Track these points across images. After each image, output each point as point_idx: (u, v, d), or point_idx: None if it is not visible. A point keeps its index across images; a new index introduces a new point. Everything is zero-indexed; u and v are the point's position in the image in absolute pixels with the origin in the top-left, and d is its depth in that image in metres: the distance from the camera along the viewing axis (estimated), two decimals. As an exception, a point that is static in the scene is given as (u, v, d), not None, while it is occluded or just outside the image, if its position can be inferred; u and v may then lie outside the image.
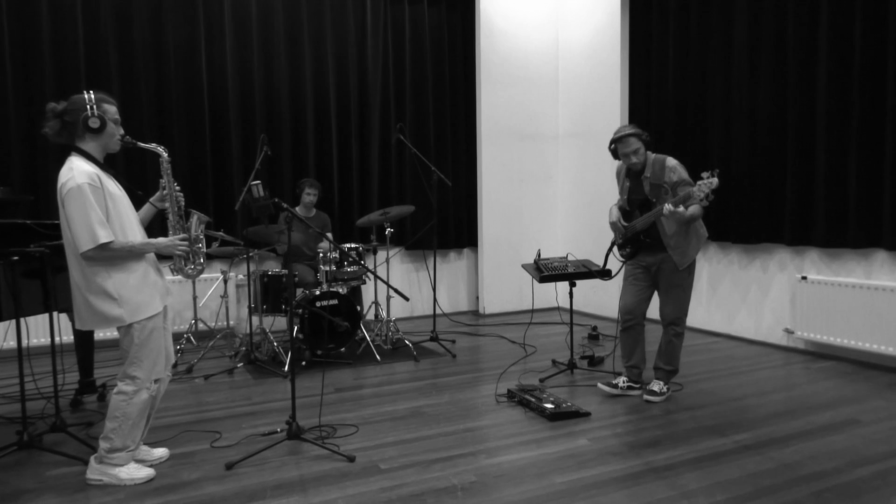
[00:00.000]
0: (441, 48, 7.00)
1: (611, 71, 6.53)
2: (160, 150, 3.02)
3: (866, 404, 3.81)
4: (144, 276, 2.87)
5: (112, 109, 2.88)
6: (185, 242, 3.00)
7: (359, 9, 6.58)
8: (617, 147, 3.91)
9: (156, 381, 2.94)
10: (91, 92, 2.82)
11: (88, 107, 2.78)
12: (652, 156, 3.92)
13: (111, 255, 2.75)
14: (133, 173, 5.61)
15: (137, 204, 3.09)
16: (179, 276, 3.11)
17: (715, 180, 3.54)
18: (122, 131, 2.94)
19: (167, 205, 3.05)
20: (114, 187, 2.85)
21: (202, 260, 3.13)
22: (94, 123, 2.79)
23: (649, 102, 6.23)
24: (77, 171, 2.71)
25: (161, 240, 2.93)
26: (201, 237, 3.11)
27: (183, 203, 3.09)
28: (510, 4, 7.02)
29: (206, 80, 5.95)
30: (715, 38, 5.51)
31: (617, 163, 4.15)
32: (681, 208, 3.65)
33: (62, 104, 2.81)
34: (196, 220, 3.11)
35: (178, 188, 3.08)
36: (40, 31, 5.38)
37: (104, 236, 2.70)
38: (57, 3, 5.43)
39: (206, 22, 5.95)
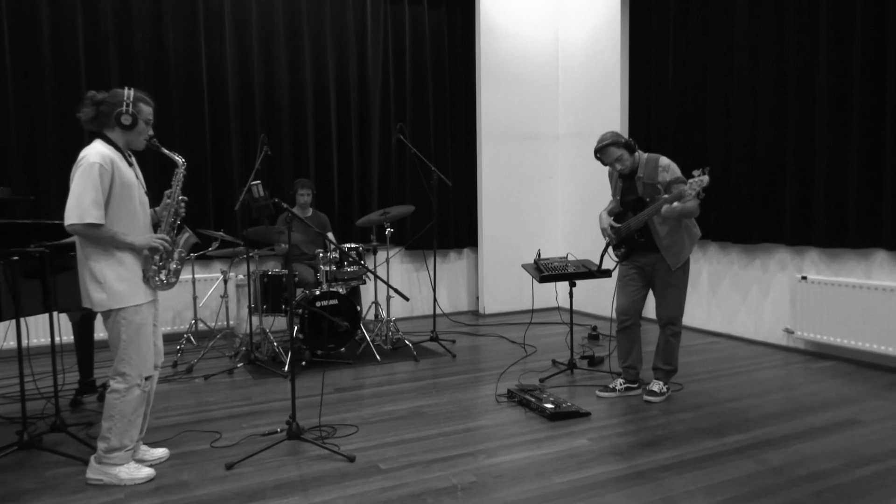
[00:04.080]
0: (441, 48, 6.99)
1: (611, 71, 6.53)
2: (179, 160, 3.06)
3: (866, 404, 3.81)
4: (132, 269, 2.87)
5: (147, 110, 2.94)
6: (166, 241, 2.94)
7: (359, 9, 6.57)
8: (601, 157, 3.98)
9: (146, 377, 2.94)
10: (132, 89, 2.89)
11: (125, 103, 2.85)
12: (644, 155, 3.93)
13: (96, 236, 2.77)
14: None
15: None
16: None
17: (706, 178, 3.56)
18: (151, 132, 2.99)
19: (164, 213, 3.04)
20: (129, 175, 2.87)
21: (175, 277, 3.04)
22: (125, 120, 2.86)
23: (649, 102, 6.22)
24: (93, 151, 2.79)
25: (139, 238, 2.88)
26: (184, 254, 3.08)
27: (181, 216, 3.07)
28: (510, 4, 7.02)
29: (206, 79, 5.95)
30: (715, 39, 5.51)
31: None
32: (676, 204, 3.67)
33: (102, 94, 2.89)
34: (186, 238, 3.08)
35: (183, 199, 3.07)
36: (40, 30, 5.37)
37: (92, 217, 2.72)
38: (57, 2, 5.43)
39: (206, 22, 5.95)
